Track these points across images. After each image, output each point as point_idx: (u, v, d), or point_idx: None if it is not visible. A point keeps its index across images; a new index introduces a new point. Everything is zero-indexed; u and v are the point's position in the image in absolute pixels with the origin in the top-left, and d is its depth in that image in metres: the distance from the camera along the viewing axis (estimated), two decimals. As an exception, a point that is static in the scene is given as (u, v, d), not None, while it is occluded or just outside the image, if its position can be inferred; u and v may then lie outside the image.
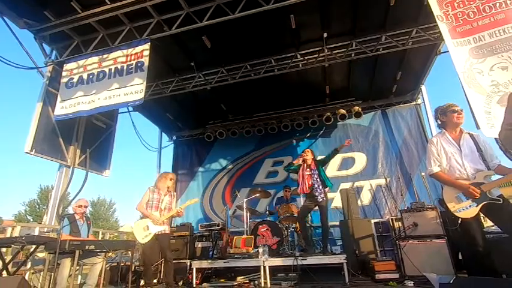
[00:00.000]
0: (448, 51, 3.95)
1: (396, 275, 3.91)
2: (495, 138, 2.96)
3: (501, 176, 2.58)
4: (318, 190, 4.59)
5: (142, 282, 4.76)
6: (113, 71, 5.30)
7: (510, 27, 3.48)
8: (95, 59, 5.49)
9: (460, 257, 4.00)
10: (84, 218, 4.49)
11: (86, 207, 4.54)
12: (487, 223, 3.62)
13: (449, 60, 3.90)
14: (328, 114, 8.18)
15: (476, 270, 2.61)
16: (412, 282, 3.64)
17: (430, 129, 7.53)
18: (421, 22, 5.74)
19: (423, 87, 7.78)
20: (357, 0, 5.26)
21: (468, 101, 3.53)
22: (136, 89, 5.01)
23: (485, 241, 2.58)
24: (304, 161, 4.88)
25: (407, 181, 7.42)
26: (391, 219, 5.32)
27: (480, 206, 2.53)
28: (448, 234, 4.05)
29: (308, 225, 5.54)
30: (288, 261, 4.24)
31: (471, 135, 2.81)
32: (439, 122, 2.98)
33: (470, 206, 2.56)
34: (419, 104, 8.19)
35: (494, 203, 2.50)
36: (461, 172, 2.70)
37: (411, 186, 7.19)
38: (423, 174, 6.82)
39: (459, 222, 2.62)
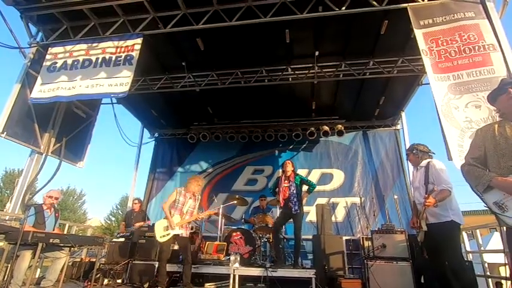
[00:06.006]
0: (429, 83, 4.20)
1: (361, 294, 4.02)
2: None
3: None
4: (293, 202, 4.63)
5: (106, 281, 4.60)
6: (100, 60, 5.18)
7: (486, 70, 3.76)
8: (83, 46, 5.35)
9: (422, 281, 4.17)
10: (53, 210, 4.30)
11: (57, 199, 4.36)
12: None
13: (429, 92, 4.15)
14: (312, 129, 8.35)
15: None
16: (376, 302, 3.76)
17: (406, 154, 7.84)
18: (407, 53, 6.05)
19: (403, 114, 8.14)
20: (350, 25, 5.48)
21: (444, 133, 3.75)
22: (122, 81, 4.91)
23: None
24: (283, 172, 4.94)
25: (381, 202, 7.66)
26: (362, 238, 5.45)
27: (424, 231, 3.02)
28: (413, 257, 4.22)
29: (281, 236, 5.57)
30: (258, 272, 4.25)
31: (426, 167, 3.16)
32: None
33: (421, 231, 3.07)
34: (398, 130, 8.53)
35: (426, 231, 3.03)
36: (417, 203, 3.24)
37: (383, 208, 7.43)
38: (396, 197, 7.09)
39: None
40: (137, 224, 5.73)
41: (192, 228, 5.93)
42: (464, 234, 5.02)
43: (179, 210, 4.14)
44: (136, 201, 6.34)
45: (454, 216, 2.92)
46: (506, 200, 1.85)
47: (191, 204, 4.24)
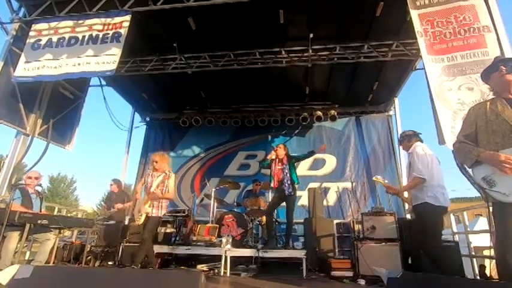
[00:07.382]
0: (423, 69, 4.17)
1: (350, 273, 4.09)
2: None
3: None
4: (287, 184, 4.67)
5: (97, 263, 4.59)
6: (86, 38, 4.97)
7: (480, 52, 3.74)
8: (69, 23, 5.12)
9: (410, 261, 4.27)
10: (36, 192, 4.19)
11: (37, 178, 4.16)
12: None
13: (423, 78, 4.12)
14: (305, 114, 8.32)
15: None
16: (364, 280, 3.84)
17: (398, 140, 7.91)
18: (402, 37, 5.97)
19: (396, 100, 8.14)
20: (345, 6, 5.35)
21: (436, 115, 3.76)
22: (109, 59, 4.73)
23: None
24: (276, 155, 4.93)
25: (372, 187, 7.75)
26: (352, 221, 5.54)
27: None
28: (402, 239, 4.30)
29: (274, 219, 5.61)
30: (250, 253, 4.28)
31: (410, 153, 3.31)
32: None
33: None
34: (390, 116, 8.55)
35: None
36: None
37: (374, 192, 7.51)
38: (386, 181, 7.15)
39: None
40: (116, 206, 5.63)
41: (184, 212, 5.95)
42: (451, 217, 5.14)
43: (148, 191, 4.01)
44: (112, 183, 6.10)
45: (429, 198, 3.02)
46: (494, 176, 1.87)
47: (161, 181, 4.05)
